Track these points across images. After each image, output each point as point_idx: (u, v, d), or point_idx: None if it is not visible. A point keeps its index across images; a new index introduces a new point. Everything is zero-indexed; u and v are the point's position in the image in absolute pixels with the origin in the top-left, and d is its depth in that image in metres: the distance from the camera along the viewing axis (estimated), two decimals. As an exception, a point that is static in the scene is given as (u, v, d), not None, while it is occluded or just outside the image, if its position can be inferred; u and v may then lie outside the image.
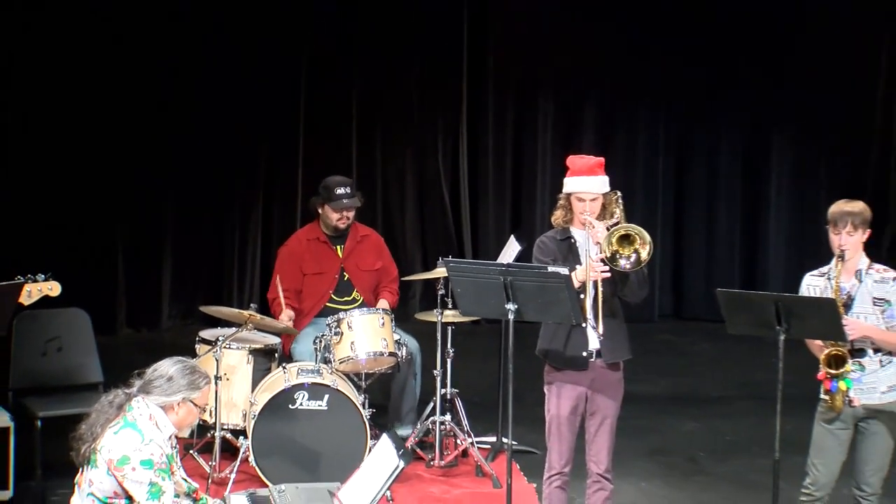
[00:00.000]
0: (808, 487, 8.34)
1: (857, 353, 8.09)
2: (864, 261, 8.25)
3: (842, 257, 8.15)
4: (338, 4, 13.86)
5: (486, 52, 14.38)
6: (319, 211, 10.54)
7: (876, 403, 8.16)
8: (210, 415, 9.81)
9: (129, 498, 6.65)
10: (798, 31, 14.54)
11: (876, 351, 8.12)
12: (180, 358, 6.92)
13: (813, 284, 8.30)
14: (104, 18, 13.27)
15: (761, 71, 14.55)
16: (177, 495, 6.79)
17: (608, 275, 8.20)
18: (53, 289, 9.11)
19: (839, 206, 8.20)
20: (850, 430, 8.26)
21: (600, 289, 8.27)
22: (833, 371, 7.99)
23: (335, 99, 14.05)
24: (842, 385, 8.04)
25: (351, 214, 10.55)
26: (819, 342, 8.10)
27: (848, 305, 8.13)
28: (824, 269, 8.29)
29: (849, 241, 8.13)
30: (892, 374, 8.16)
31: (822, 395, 8.15)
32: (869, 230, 8.19)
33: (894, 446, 8.30)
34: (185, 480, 6.97)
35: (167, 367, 6.83)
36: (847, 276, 8.21)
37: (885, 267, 8.26)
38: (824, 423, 8.25)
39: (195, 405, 6.83)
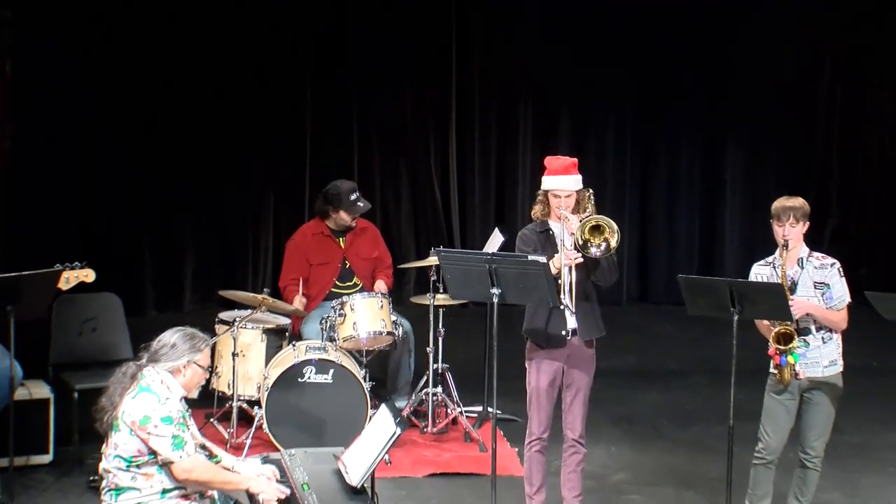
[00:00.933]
0: (761, 452, 8.39)
1: (802, 331, 8.16)
2: (805, 250, 8.34)
3: (786, 247, 8.24)
4: (338, 28, 13.77)
5: (473, 67, 14.35)
6: (332, 214, 10.50)
7: (819, 376, 8.26)
8: (228, 387, 9.95)
9: (153, 454, 6.66)
10: (750, 48, 14.48)
11: (818, 329, 8.19)
12: (180, 327, 6.94)
13: (760, 273, 8.39)
14: (131, 30, 13.18)
15: (717, 84, 14.55)
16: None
17: (581, 261, 8.22)
18: (88, 276, 9.17)
19: (781, 202, 8.32)
20: (796, 401, 8.32)
21: (574, 275, 8.30)
22: (782, 347, 8.08)
23: (337, 109, 14.04)
24: (790, 359, 8.12)
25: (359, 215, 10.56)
26: (766, 323, 8.18)
27: (792, 290, 8.19)
28: (769, 258, 8.39)
29: (791, 232, 8.23)
30: (832, 350, 8.25)
31: (772, 370, 8.24)
32: (808, 222, 8.26)
33: (835, 414, 8.35)
34: (196, 437, 6.94)
35: (169, 336, 6.87)
36: (790, 263, 8.28)
37: (823, 255, 8.38)
38: (774, 395, 8.32)
39: (199, 366, 6.87)
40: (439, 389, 10.34)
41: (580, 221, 8.25)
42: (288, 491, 6.79)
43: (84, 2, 12.97)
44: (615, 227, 8.18)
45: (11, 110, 12.68)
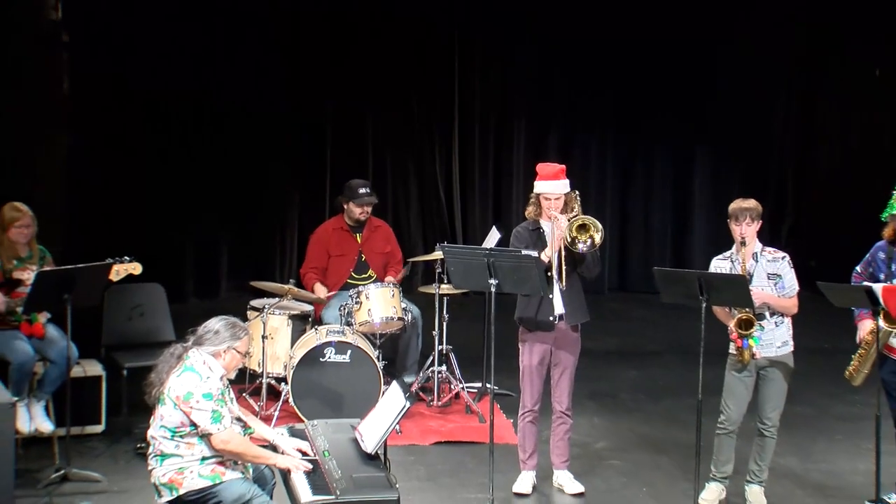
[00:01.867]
0: (723, 423, 8.42)
1: (758, 316, 8.16)
2: (759, 245, 8.37)
3: (743, 243, 8.25)
4: (356, 49, 13.74)
5: (473, 84, 14.33)
6: (344, 207, 10.54)
7: (773, 355, 8.30)
8: (258, 365, 9.94)
9: (194, 426, 6.67)
10: (717, 72, 14.49)
11: (772, 315, 8.21)
12: (224, 316, 6.96)
13: (719, 266, 8.42)
14: (167, 47, 13.21)
15: (687, 102, 14.52)
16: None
17: (568, 251, 8.29)
18: (136, 268, 9.20)
19: (737, 204, 8.35)
20: (753, 377, 8.35)
21: (562, 267, 8.34)
22: (743, 332, 8.11)
23: (354, 121, 14.00)
24: (751, 342, 8.16)
25: (369, 209, 10.55)
26: (724, 310, 8.21)
27: (748, 281, 8.16)
28: (727, 253, 8.41)
29: (747, 231, 8.26)
30: (784, 332, 8.30)
31: (732, 351, 8.26)
32: (761, 221, 8.30)
33: (787, 389, 8.38)
34: (234, 412, 6.94)
35: (214, 323, 6.89)
36: (747, 258, 8.28)
37: (775, 249, 8.43)
38: (734, 372, 8.34)
39: (238, 352, 6.88)
40: (443, 368, 10.33)
41: (568, 221, 8.32)
42: (311, 466, 6.77)
43: (128, 29, 12.94)
44: (599, 225, 8.30)
45: (68, 125, 12.69)
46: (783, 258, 8.33)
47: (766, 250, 8.36)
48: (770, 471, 8.69)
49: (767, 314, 8.22)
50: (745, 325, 8.11)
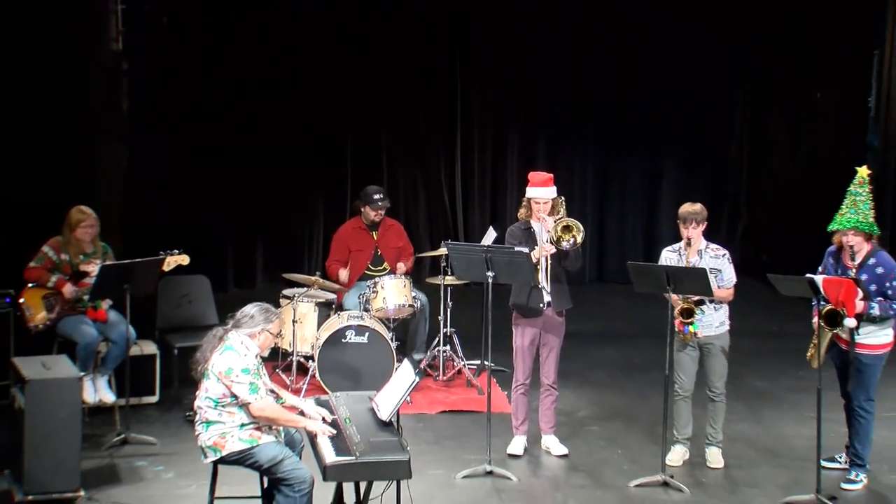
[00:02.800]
0: (678, 391, 8.54)
1: (699, 302, 8.27)
2: (704, 243, 8.43)
3: (689, 243, 8.34)
4: (370, 72, 13.72)
5: (473, 103, 14.27)
6: (361, 209, 10.51)
7: (712, 334, 8.42)
8: (289, 345, 9.95)
9: (234, 396, 6.68)
10: (682, 92, 14.45)
11: (710, 301, 8.28)
12: (259, 303, 6.96)
13: (668, 257, 8.50)
14: (209, 76, 13.22)
15: (657, 117, 14.47)
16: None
17: (553, 250, 8.32)
18: (184, 260, 9.21)
19: (685, 209, 8.43)
20: (697, 352, 8.48)
21: (549, 262, 8.37)
22: (685, 320, 8.23)
23: (371, 135, 13.96)
24: (691, 329, 8.29)
25: (383, 212, 10.52)
26: (676, 297, 8.21)
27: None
28: (675, 246, 8.49)
29: (694, 232, 8.34)
30: (721, 315, 8.42)
31: (677, 333, 8.34)
32: (706, 223, 8.37)
33: (727, 361, 8.47)
34: (267, 384, 6.95)
35: (249, 309, 6.89)
36: (693, 253, 8.36)
37: (717, 246, 8.50)
38: (680, 350, 8.44)
39: (270, 333, 6.88)
40: (447, 347, 10.33)
41: (555, 222, 8.35)
42: (335, 431, 6.78)
43: (175, 58, 12.96)
44: (581, 227, 8.34)
45: (127, 139, 12.71)
46: (724, 255, 8.40)
47: (710, 247, 8.41)
48: (726, 435, 8.71)
49: (707, 301, 8.26)
50: (687, 313, 8.22)
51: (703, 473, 8.42)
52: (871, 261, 7.97)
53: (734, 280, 8.42)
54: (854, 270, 7.94)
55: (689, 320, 8.23)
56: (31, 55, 11.04)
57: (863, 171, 8.04)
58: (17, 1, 10.87)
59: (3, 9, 10.81)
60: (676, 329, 8.29)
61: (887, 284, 7.92)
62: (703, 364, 8.49)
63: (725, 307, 8.43)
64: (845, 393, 8.27)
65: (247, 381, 6.69)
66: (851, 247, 7.97)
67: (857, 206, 7.94)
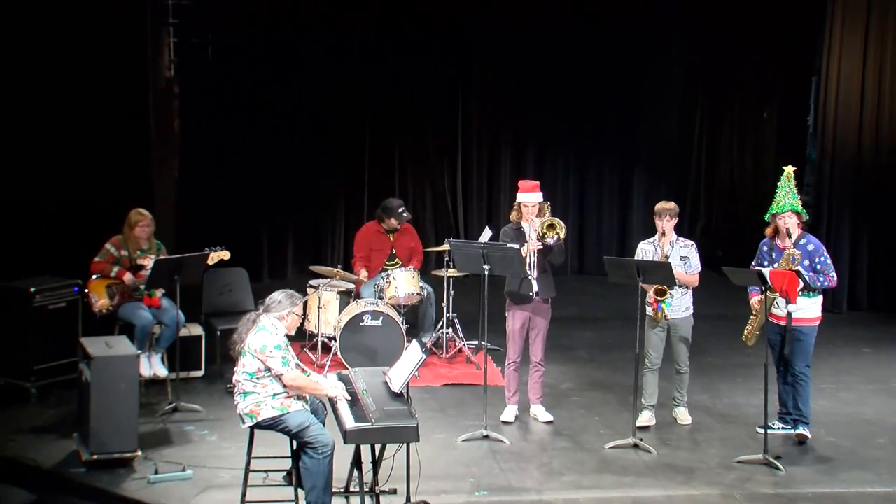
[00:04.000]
0: (648, 364, 8.47)
1: (670, 287, 8.23)
2: (675, 236, 8.43)
3: (664, 234, 8.31)
4: (386, 92, 13.63)
5: (472, 119, 14.15)
6: (385, 219, 10.41)
7: (679, 317, 8.42)
8: (315, 328, 9.86)
9: (268, 370, 6.64)
10: (649, 107, 14.37)
11: (679, 287, 8.25)
12: (284, 289, 6.92)
13: (644, 248, 8.47)
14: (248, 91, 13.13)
15: (627, 130, 14.38)
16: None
17: (540, 246, 8.26)
18: (226, 255, 9.15)
19: (661, 205, 8.47)
20: (665, 331, 8.44)
21: (536, 257, 8.32)
22: (659, 298, 8.21)
23: (385, 146, 13.84)
24: (664, 306, 8.25)
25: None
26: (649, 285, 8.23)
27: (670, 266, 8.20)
28: (650, 239, 8.46)
29: (667, 225, 8.34)
30: (687, 300, 8.42)
31: (649, 312, 8.31)
32: (677, 218, 8.41)
33: (691, 340, 8.49)
34: (295, 360, 6.88)
35: (276, 295, 6.85)
36: (665, 244, 8.34)
37: (685, 238, 8.54)
38: (650, 328, 8.40)
39: (296, 314, 6.83)
40: (450, 330, 10.25)
41: (541, 221, 8.29)
42: (350, 396, 6.76)
43: (220, 82, 12.89)
44: (564, 225, 8.30)
45: (179, 153, 12.64)
46: (692, 245, 8.42)
47: (679, 239, 8.42)
48: (687, 404, 8.66)
49: (676, 286, 8.24)
50: (661, 293, 8.21)
51: (668, 436, 8.36)
52: (803, 240, 8.14)
53: (699, 268, 8.42)
54: (791, 247, 8.03)
55: (662, 298, 8.22)
56: (99, 80, 11.00)
57: (789, 169, 8.24)
58: (88, 32, 10.83)
59: (77, 39, 10.80)
60: (651, 307, 8.26)
61: (817, 260, 8.07)
62: (669, 342, 8.45)
63: (690, 294, 8.41)
64: (782, 362, 8.25)
65: (279, 356, 6.65)
66: (788, 228, 8.08)
67: (789, 195, 8.14)
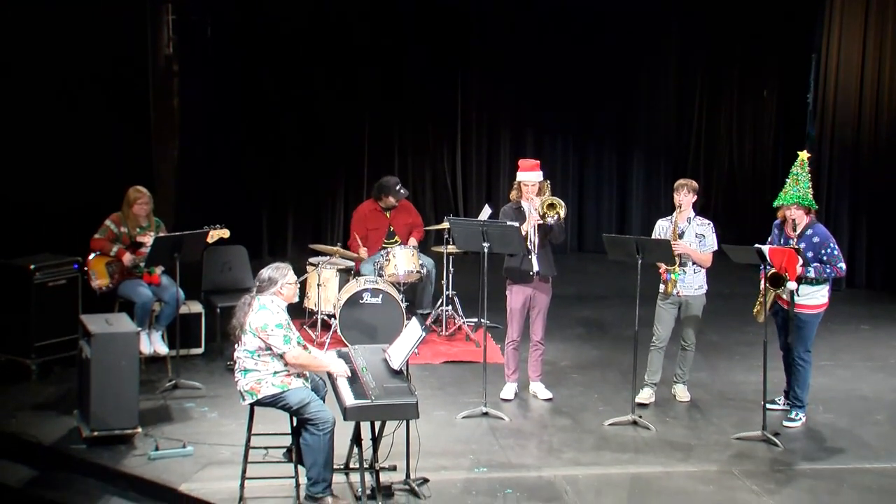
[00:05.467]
0: (655, 341, 8.42)
1: (683, 263, 8.22)
2: (692, 212, 8.38)
3: (680, 208, 8.29)
4: (386, 79, 13.61)
5: (471, 101, 14.12)
6: (382, 197, 10.36)
7: (691, 294, 8.35)
8: (315, 306, 9.83)
9: (269, 348, 6.61)
10: (647, 93, 14.34)
11: (692, 264, 8.22)
12: (269, 265, 6.85)
13: (661, 225, 8.44)
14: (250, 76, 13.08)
15: (627, 114, 14.35)
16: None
17: (541, 221, 8.25)
18: (225, 233, 9.13)
19: (680, 181, 8.48)
20: (676, 308, 8.38)
21: (536, 235, 8.29)
22: (668, 267, 8.18)
23: (385, 130, 13.82)
24: (673, 277, 8.22)
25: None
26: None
27: (681, 236, 8.25)
28: (669, 217, 8.39)
29: (685, 200, 8.31)
30: (700, 278, 8.33)
31: (661, 287, 8.29)
32: (696, 195, 8.39)
33: (701, 318, 8.44)
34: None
35: (265, 273, 6.79)
36: (682, 220, 8.31)
37: (703, 217, 8.46)
38: (661, 303, 8.36)
39: (289, 283, 6.78)
40: (450, 307, 10.23)
41: (541, 201, 8.26)
42: (350, 373, 6.76)
43: (218, 60, 12.84)
44: (564, 204, 8.26)
45: (178, 132, 12.60)
46: (709, 224, 8.39)
47: (697, 217, 8.39)
48: (687, 382, 8.66)
49: (690, 262, 8.22)
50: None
51: (667, 414, 8.36)
52: (809, 231, 8.03)
53: (715, 247, 8.36)
54: (795, 240, 7.97)
55: (672, 268, 8.18)
56: (98, 57, 10.93)
57: (803, 155, 8.12)
58: (87, 12, 10.76)
59: (76, 19, 10.72)
60: (661, 278, 8.24)
61: (822, 252, 7.98)
62: (678, 319, 8.43)
63: (703, 272, 8.36)
64: (785, 345, 8.26)
65: (280, 334, 6.62)
66: (794, 219, 8.00)
67: (799, 184, 8.01)
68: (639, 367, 8.23)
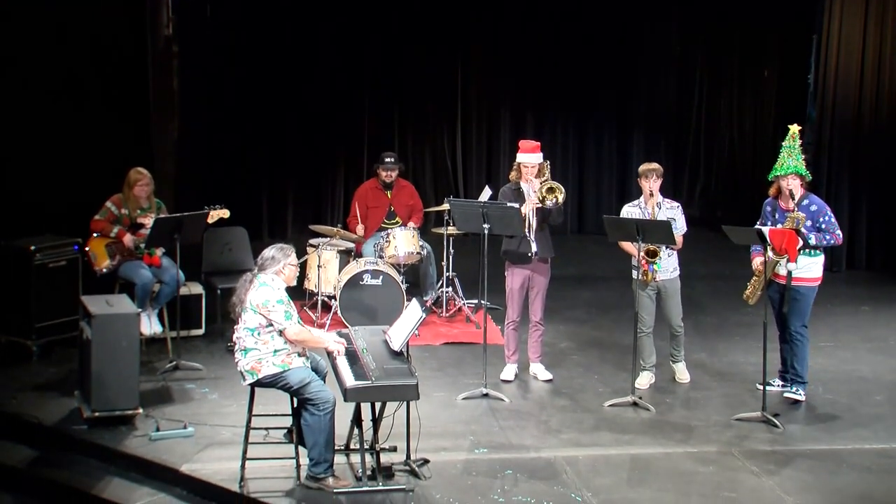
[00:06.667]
0: (641, 328, 8.39)
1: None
2: (660, 197, 8.36)
3: (651, 195, 8.26)
4: (386, 61, 13.57)
5: (471, 84, 14.09)
6: (378, 172, 10.35)
7: (666, 278, 8.36)
8: (315, 287, 9.84)
9: (271, 324, 6.62)
10: (648, 74, 14.31)
11: (666, 248, 8.21)
12: (272, 245, 6.87)
13: (630, 212, 8.42)
14: (254, 56, 13.05)
15: (626, 96, 14.31)
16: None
17: (540, 204, 8.21)
18: (226, 213, 9.12)
19: (646, 166, 8.42)
20: (655, 292, 8.41)
21: (535, 217, 8.29)
22: (650, 259, 8.16)
23: (385, 114, 13.79)
24: (655, 267, 8.21)
25: (394, 173, 10.36)
26: (628, 246, 8.23)
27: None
28: (635, 202, 8.40)
29: (654, 186, 8.28)
30: (674, 261, 8.38)
31: (638, 276, 8.26)
32: (661, 178, 8.34)
33: (680, 300, 8.43)
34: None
35: (268, 252, 6.81)
36: (651, 206, 8.27)
37: (671, 200, 8.48)
38: (640, 290, 8.35)
39: (291, 265, 6.80)
40: (450, 289, 10.24)
41: (541, 184, 8.26)
42: (345, 348, 6.81)
43: (218, 41, 12.81)
44: (562, 188, 8.24)
45: (178, 112, 12.57)
46: (677, 207, 8.37)
47: (666, 201, 8.36)
48: (686, 362, 8.67)
49: (663, 248, 8.21)
50: (651, 254, 8.16)
51: (667, 395, 8.37)
52: (806, 201, 8.09)
53: (685, 229, 8.36)
54: (795, 209, 7.98)
55: (653, 260, 8.17)
56: (96, 37, 10.91)
57: (794, 128, 8.16)
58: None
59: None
60: (641, 269, 8.21)
61: (821, 219, 8.04)
62: (660, 305, 8.43)
63: (675, 255, 8.39)
64: (781, 321, 8.25)
65: (281, 310, 6.63)
66: (791, 190, 8.02)
67: (793, 156, 8.05)
68: (638, 348, 8.23)
